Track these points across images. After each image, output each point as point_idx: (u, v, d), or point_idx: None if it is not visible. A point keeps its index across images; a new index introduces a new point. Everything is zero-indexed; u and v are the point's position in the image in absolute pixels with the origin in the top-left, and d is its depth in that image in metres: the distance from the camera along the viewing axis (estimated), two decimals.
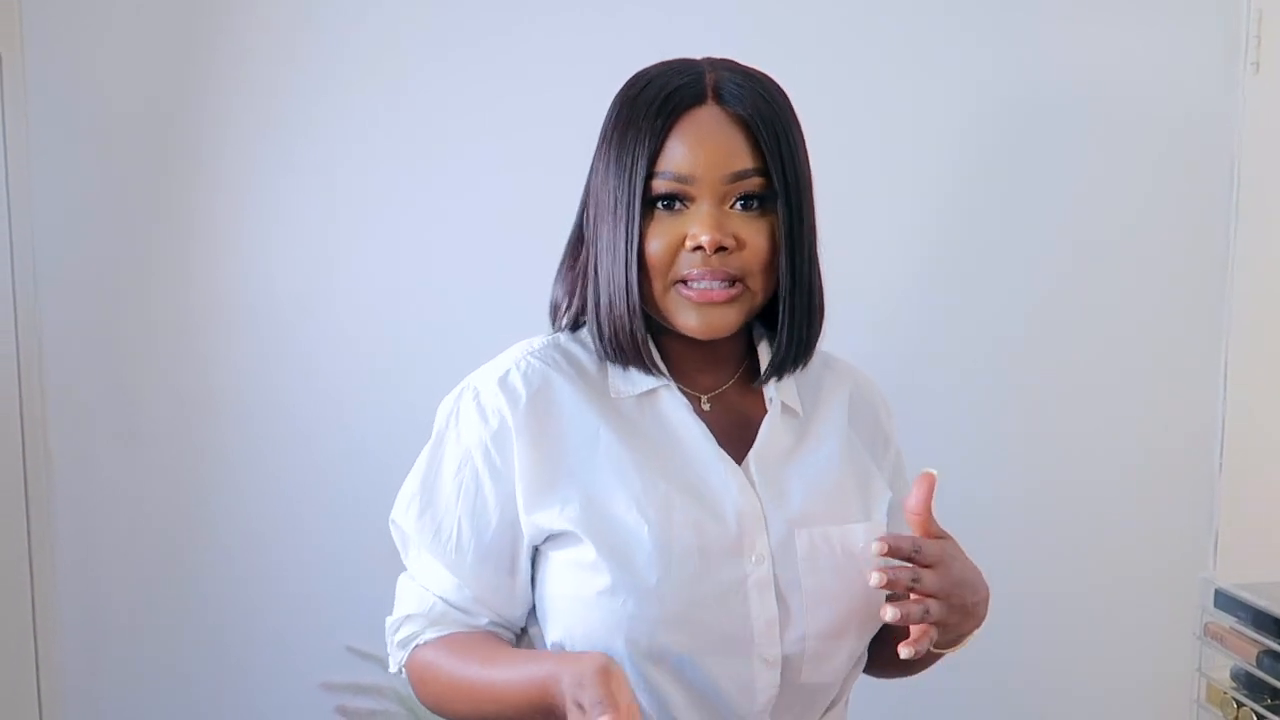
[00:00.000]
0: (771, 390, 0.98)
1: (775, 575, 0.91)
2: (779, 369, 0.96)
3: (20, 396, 1.56)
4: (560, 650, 0.92)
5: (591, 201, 0.94)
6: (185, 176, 1.57)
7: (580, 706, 0.77)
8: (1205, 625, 1.64)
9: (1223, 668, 1.62)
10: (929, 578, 0.82)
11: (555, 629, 0.92)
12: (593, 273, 0.94)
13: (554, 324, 1.01)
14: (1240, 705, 1.56)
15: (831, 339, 1.02)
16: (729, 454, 0.94)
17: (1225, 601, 1.61)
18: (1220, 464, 1.69)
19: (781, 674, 0.91)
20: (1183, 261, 1.67)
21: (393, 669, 0.99)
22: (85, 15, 1.54)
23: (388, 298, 1.60)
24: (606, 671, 0.78)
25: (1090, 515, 1.69)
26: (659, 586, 0.87)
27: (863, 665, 1.00)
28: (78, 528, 1.61)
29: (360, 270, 1.59)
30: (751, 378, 0.99)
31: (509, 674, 0.88)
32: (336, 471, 1.61)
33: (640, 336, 0.92)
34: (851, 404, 1.03)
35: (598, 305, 0.93)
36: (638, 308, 0.91)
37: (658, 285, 0.90)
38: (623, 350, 0.93)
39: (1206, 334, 1.68)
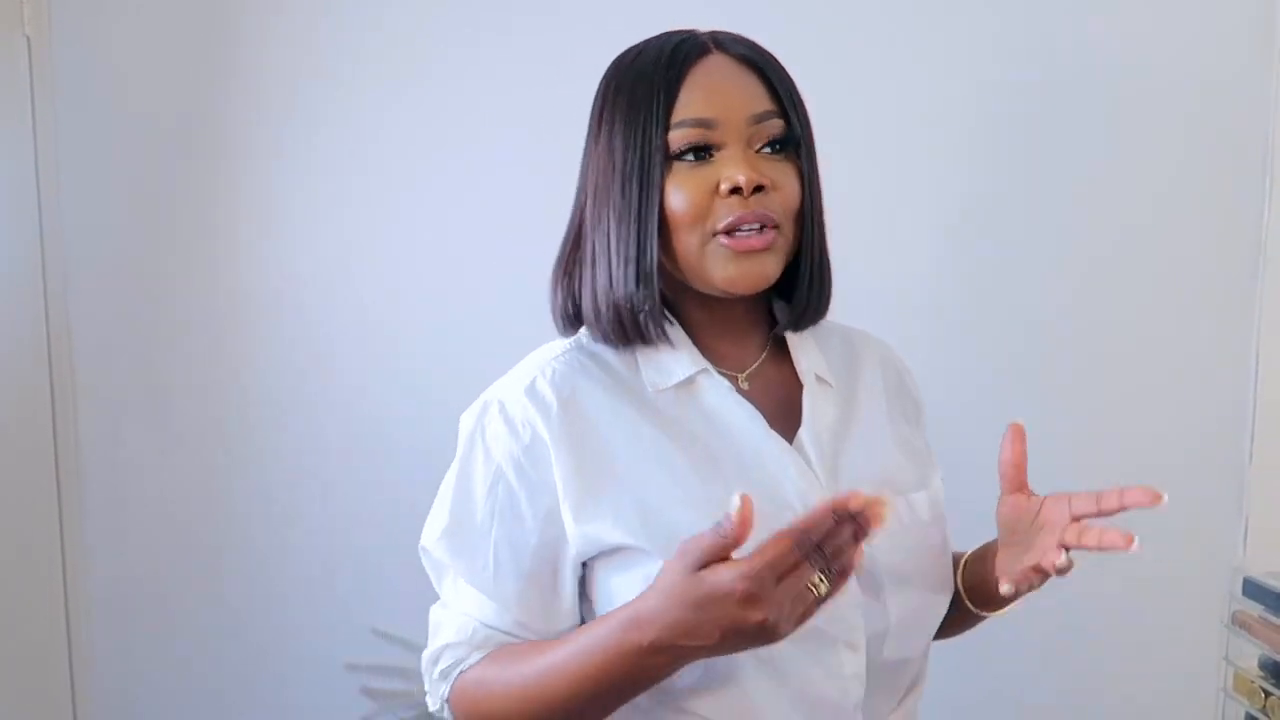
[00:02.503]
0: (804, 363, 0.94)
1: None
2: (801, 319, 0.93)
3: (51, 387, 1.58)
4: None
5: (593, 181, 0.89)
6: (210, 166, 1.58)
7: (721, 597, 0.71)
8: (1234, 614, 1.62)
9: (1251, 657, 1.60)
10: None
11: None
12: (590, 259, 0.88)
13: (567, 329, 0.95)
14: (1268, 695, 1.54)
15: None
16: (778, 434, 0.89)
17: (1254, 590, 1.59)
18: (1250, 452, 1.67)
19: (866, 654, 0.86)
20: (1213, 248, 1.64)
21: (434, 706, 0.92)
22: (112, 1, 1.55)
23: (409, 288, 1.60)
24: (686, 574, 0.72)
25: None
26: None
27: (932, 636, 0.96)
28: (108, 515, 1.63)
29: (382, 262, 1.60)
30: (779, 354, 0.95)
31: (575, 647, 0.80)
32: (360, 458, 1.62)
33: (652, 301, 0.85)
34: (883, 374, 1.00)
35: (596, 289, 0.87)
36: (652, 267, 0.84)
37: (693, 239, 0.84)
38: (627, 327, 0.87)
39: (1237, 321, 1.66)
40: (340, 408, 1.61)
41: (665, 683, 0.83)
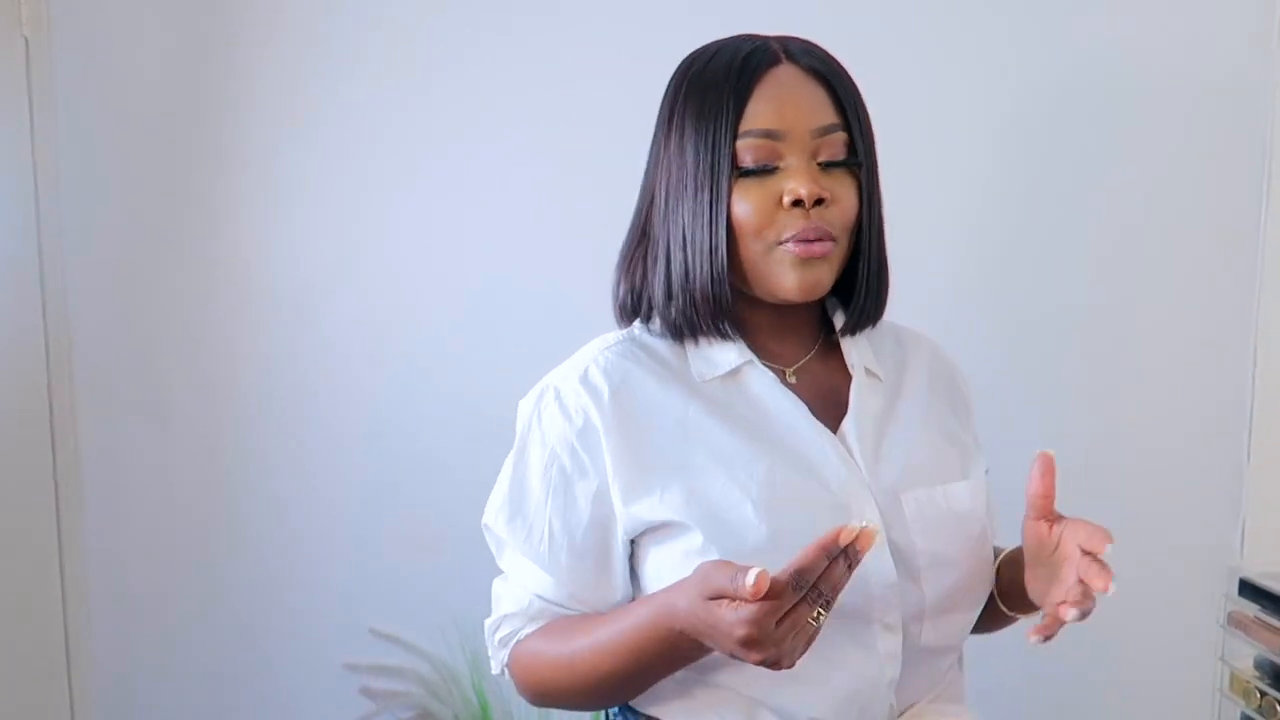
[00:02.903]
0: (854, 357, 0.97)
1: (890, 540, 0.89)
2: (857, 324, 0.97)
3: (49, 382, 1.58)
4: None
5: (662, 181, 0.93)
6: (211, 161, 1.58)
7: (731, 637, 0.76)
8: (1229, 614, 1.62)
9: (1246, 657, 1.61)
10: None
11: None
12: (663, 253, 0.92)
13: (622, 321, 1.00)
14: (1263, 695, 1.55)
15: None
16: (822, 423, 0.93)
17: (1250, 590, 1.60)
18: (1248, 452, 1.67)
19: (903, 638, 0.89)
20: (1212, 248, 1.65)
21: (495, 670, 0.98)
22: (111, 1, 1.54)
23: (411, 283, 1.60)
24: (710, 588, 0.76)
25: (1118, 503, 1.67)
26: (772, 564, 0.84)
27: (972, 626, 0.99)
28: (106, 512, 1.63)
29: (384, 255, 1.60)
30: (830, 348, 0.99)
31: (617, 625, 0.86)
32: (360, 456, 1.62)
33: (726, 300, 0.90)
34: (931, 370, 1.03)
35: (670, 281, 0.92)
36: (724, 269, 0.89)
37: (756, 248, 0.89)
38: (701, 319, 0.92)
39: (1236, 320, 1.66)
40: (341, 408, 1.62)
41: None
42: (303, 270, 1.60)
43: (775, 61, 0.90)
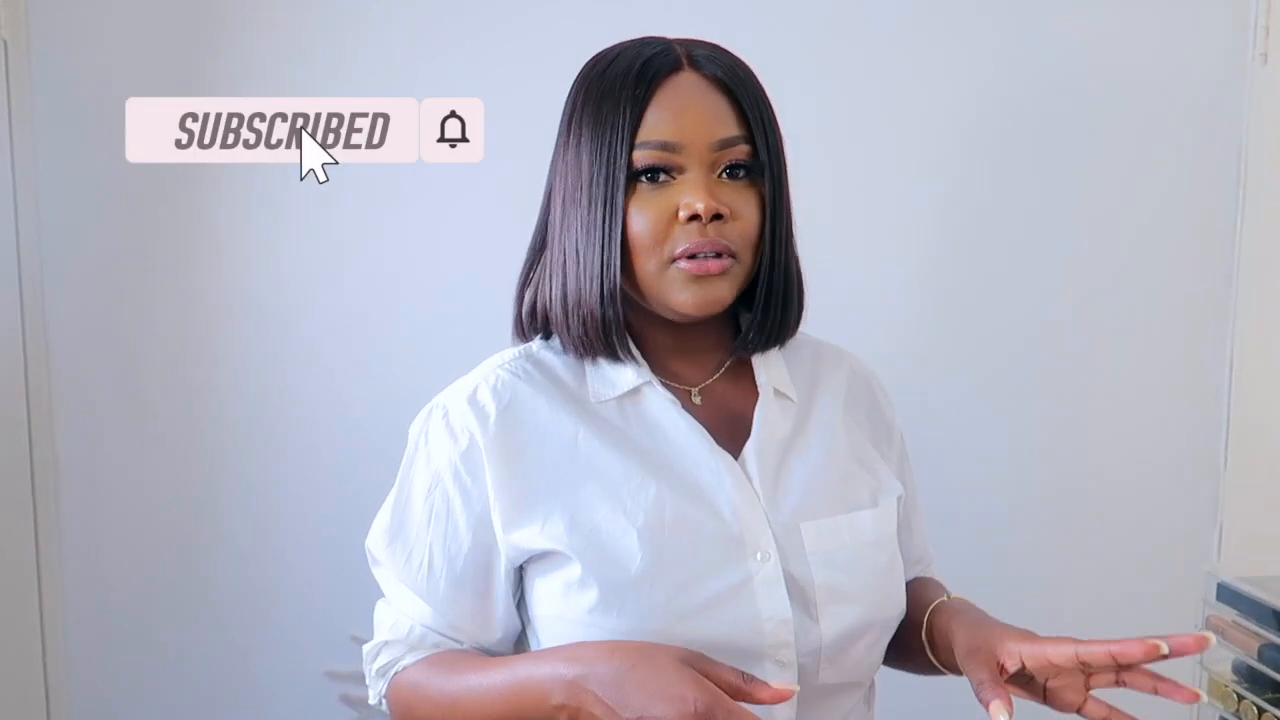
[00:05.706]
0: (763, 376, 0.93)
1: (786, 572, 0.85)
2: (753, 342, 0.92)
3: (26, 388, 1.56)
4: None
5: (559, 190, 0.89)
6: (191, 167, 1.57)
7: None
8: (1207, 618, 1.64)
9: (1224, 661, 1.62)
10: None
11: None
12: (559, 266, 0.88)
13: (518, 336, 0.96)
14: (1241, 699, 1.56)
15: (837, 339, 1.02)
16: (726, 448, 0.89)
17: (1227, 594, 1.61)
18: (1225, 458, 1.69)
19: (798, 676, 0.85)
20: (1188, 256, 1.67)
21: (372, 700, 0.94)
22: (91, 3, 1.53)
23: (393, 289, 1.60)
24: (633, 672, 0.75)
25: (1096, 509, 1.69)
26: (654, 595, 0.82)
27: (880, 660, 0.95)
28: (84, 518, 1.62)
29: (365, 261, 1.59)
30: (741, 367, 0.95)
31: (507, 674, 0.82)
32: (341, 462, 1.62)
33: (616, 321, 0.86)
34: (848, 390, 0.99)
35: (565, 297, 0.88)
36: (616, 288, 0.85)
37: (649, 264, 0.85)
38: (593, 341, 0.88)
39: (1212, 327, 1.68)
40: (322, 411, 1.61)
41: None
42: (285, 275, 1.59)
43: (676, 68, 0.86)
